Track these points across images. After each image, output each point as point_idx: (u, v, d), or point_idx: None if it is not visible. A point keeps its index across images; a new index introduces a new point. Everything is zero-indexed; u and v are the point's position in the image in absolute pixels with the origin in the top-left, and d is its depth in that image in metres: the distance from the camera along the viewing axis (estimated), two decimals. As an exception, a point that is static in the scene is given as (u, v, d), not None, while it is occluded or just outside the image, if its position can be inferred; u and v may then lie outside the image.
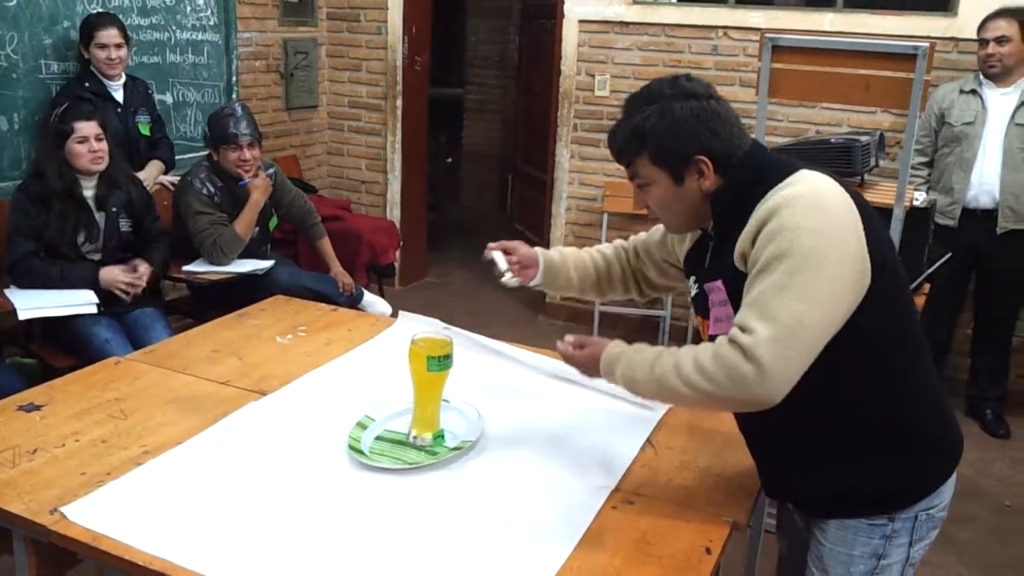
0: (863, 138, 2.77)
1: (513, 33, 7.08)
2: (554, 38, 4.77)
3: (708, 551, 1.50)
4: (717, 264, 1.55)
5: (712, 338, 1.54)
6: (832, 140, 2.77)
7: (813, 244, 1.35)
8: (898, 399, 1.51)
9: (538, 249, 1.95)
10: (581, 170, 4.85)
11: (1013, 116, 3.59)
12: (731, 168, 1.51)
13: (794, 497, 1.69)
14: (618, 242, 1.98)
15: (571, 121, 4.80)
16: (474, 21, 7.42)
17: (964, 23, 3.86)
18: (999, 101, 3.63)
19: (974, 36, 3.73)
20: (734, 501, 1.66)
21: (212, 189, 3.43)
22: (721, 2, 4.41)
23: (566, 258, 1.95)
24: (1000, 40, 3.55)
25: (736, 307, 1.46)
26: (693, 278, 1.66)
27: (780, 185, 1.43)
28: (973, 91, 3.67)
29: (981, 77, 3.68)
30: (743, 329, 1.37)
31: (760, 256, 1.39)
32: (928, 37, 3.86)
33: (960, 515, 3.14)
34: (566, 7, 4.66)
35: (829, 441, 1.53)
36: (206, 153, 3.57)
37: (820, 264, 1.35)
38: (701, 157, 1.49)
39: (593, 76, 4.69)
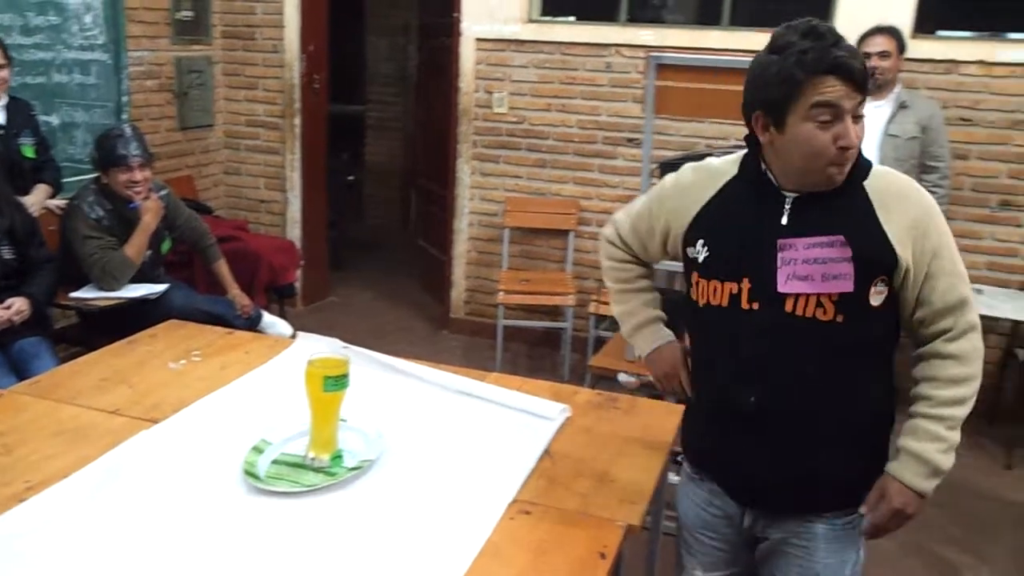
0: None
1: (412, 51, 7.10)
2: (452, 56, 4.80)
3: (603, 556, 1.55)
4: (812, 219, 1.53)
5: (776, 297, 1.53)
6: (716, 153, 2.88)
7: None
8: (887, 398, 1.65)
9: (673, 348, 1.86)
10: (482, 186, 4.90)
11: (886, 127, 3.80)
12: None
13: (786, 487, 1.65)
14: (638, 273, 1.89)
15: (471, 138, 4.84)
16: (373, 39, 7.41)
17: (839, 40, 4.07)
18: (873, 113, 3.83)
19: (848, 53, 3.92)
20: (628, 505, 1.71)
21: (101, 212, 3.33)
22: (613, 21, 4.53)
23: (658, 311, 1.90)
24: (882, 55, 3.76)
25: (858, 267, 1.50)
26: (701, 241, 1.62)
27: (878, 166, 1.59)
28: (849, 105, 3.87)
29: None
30: (967, 304, 1.54)
31: (939, 238, 1.53)
32: (807, 54, 4.04)
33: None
34: (463, 25, 4.71)
35: (848, 428, 1.60)
36: (94, 176, 3.46)
37: None
38: None
39: (491, 93, 4.75)
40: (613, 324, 4.31)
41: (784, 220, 1.56)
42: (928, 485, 1.55)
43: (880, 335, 1.57)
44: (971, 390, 1.54)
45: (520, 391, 2.17)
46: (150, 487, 1.69)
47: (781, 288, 1.53)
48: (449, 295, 5.13)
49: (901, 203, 1.53)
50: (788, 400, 1.57)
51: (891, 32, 3.78)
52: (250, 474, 1.71)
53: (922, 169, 3.84)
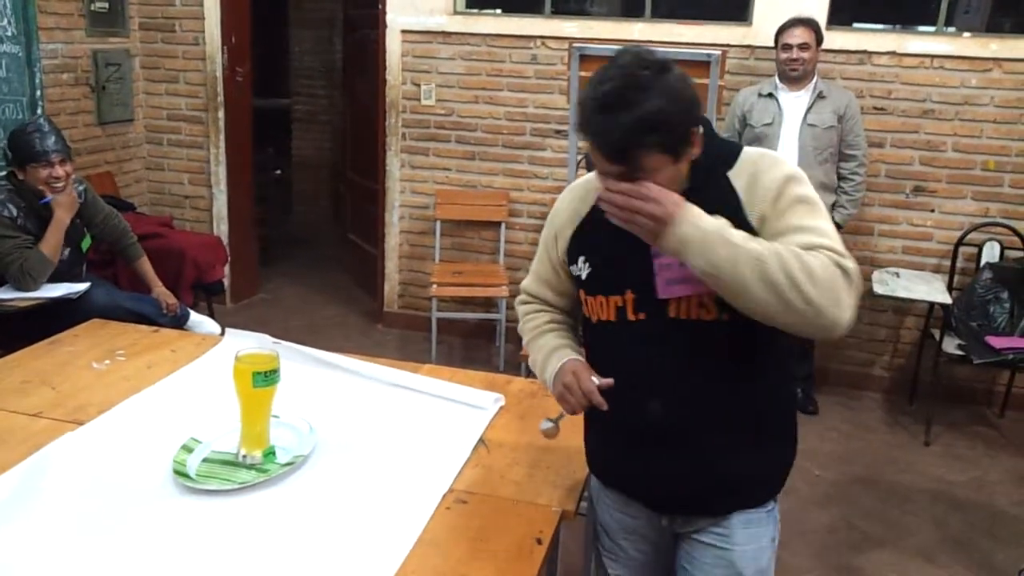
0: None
1: (338, 43, 7.02)
2: (378, 48, 4.77)
3: (539, 541, 1.57)
4: None
5: (658, 303, 1.48)
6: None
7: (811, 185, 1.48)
8: (788, 381, 1.63)
9: (573, 361, 1.64)
10: (412, 179, 4.88)
11: (805, 117, 3.91)
12: (706, 135, 1.46)
13: (706, 494, 1.60)
14: (550, 317, 1.77)
15: (399, 130, 4.81)
16: (297, 31, 7.30)
17: (758, 31, 4.17)
18: (793, 103, 3.94)
19: (768, 44, 4.02)
20: (562, 491, 1.74)
21: (14, 211, 3.21)
22: (538, 13, 4.56)
23: (572, 342, 1.73)
24: (803, 47, 3.86)
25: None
26: (583, 258, 1.58)
27: (748, 152, 1.50)
28: (770, 94, 3.97)
29: (777, 81, 3.97)
30: (841, 255, 1.36)
31: (793, 199, 1.42)
32: (727, 44, 4.14)
33: (777, 488, 3.38)
34: (388, 17, 4.67)
35: (758, 423, 1.57)
36: (4, 173, 3.34)
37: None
38: (695, 129, 1.41)
39: (419, 85, 4.73)
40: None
41: None
42: (684, 236, 1.35)
43: (769, 331, 1.42)
44: (806, 286, 1.31)
45: (453, 382, 2.18)
46: (77, 490, 1.65)
47: (660, 294, 1.48)
48: (382, 289, 5.10)
49: (759, 185, 1.44)
50: (689, 406, 1.51)
51: (809, 24, 3.89)
52: (180, 473, 1.69)
53: (840, 157, 3.97)
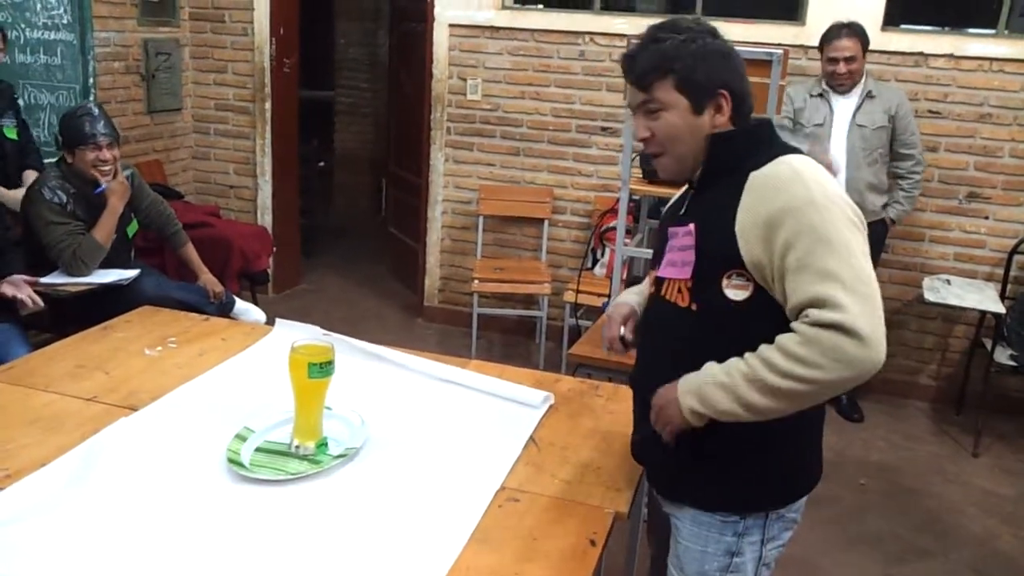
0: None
1: (383, 36, 7.03)
2: (425, 42, 4.76)
3: (593, 543, 1.55)
4: (695, 209, 1.58)
5: (659, 281, 1.60)
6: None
7: (840, 214, 1.40)
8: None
9: (622, 304, 1.83)
10: (456, 173, 4.87)
11: (853, 117, 3.84)
12: (742, 117, 1.54)
13: (659, 470, 1.69)
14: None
15: (444, 125, 4.81)
16: (343, 23, 7.33)
17: (812, 31, 4.09)
18: (842, 104, 3.87)
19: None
20: (615, 493, 1.71)
21: (64, 197, 3.24)
22: (587, 8, 4.53)
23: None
24: (849, 60, 3.76)
25: (702, 257, 1.49)
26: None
27: (785, 160, 1.46)
28: (821, 95, 3.90)
29: (823, 84, 3.90)
30: (827, 305, 1.33)
31: (789, 231, 1.38)
32: (780, 44, 4.06)
33: (821, 496, 3.32)
34: (436, 11, 4.67)
35: (724, 428, 1.50)
36: (56, 159, 3.38)
37: (854, 230, 1.41)
38: (724, 92, 1.51)
39: (465, 80, 4.72)
40: (588, 313, 4.33)
41: (683, 209, 1.62)
42: (685, 401, 1.48)
43: (745, 335, 1.44)
44: (800, 371, 1.35)
45: (501, 379, 2.16)
46: (132, 475, 1.66)
47: (659, 272, 1.61)
48: (423, 283, 5.10)
49: (768, 196, 1.43)
50: (650, 380, 1.60)
51: (855, 32, 3.77)
52: (234, 462, 1.69)
53: (894, 157, 3.89)
